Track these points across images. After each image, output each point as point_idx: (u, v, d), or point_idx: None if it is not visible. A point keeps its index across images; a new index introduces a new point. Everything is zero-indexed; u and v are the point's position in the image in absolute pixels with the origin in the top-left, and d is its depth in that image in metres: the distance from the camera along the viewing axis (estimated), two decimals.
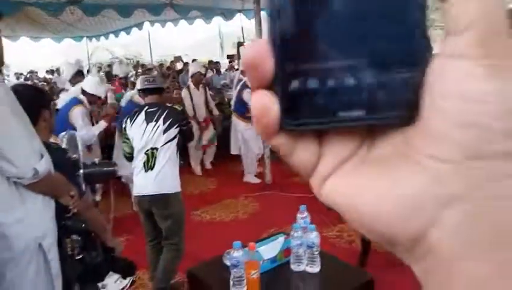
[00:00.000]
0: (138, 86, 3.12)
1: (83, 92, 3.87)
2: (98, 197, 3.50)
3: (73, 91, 4.04)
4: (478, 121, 0.18)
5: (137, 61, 13.85)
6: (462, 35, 0.18)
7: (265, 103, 0.21)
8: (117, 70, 5.40)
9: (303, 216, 1.96)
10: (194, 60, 11.24)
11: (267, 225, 3.94)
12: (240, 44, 9.16)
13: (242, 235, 3.79)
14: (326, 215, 4.05)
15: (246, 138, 5.17)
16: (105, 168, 3.00)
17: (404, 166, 0.20)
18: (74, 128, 3.65)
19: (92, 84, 3.93)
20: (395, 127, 0.21)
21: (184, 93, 5.45)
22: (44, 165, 1.37)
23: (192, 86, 5.43)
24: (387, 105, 0.20)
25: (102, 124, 3.83)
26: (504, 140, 0.18)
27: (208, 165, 5.89)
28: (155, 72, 6.58)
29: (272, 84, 0.21)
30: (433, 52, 0.20)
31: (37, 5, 6.04)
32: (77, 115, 3.60)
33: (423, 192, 0.19)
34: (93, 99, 3.93)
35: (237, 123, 5.22)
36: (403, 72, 0.20)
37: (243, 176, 5.41)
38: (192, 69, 5.65)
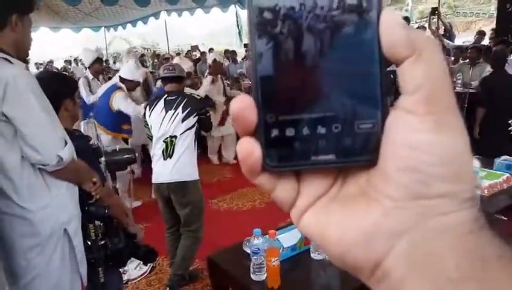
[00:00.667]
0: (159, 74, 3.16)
1: (121, 79, 3.92)
2: (118, 185, 3.55)
3: (114, 79, 4.13)
4: (420, 167, 0.22)
5: (154, 51, 13.89)
6: (412, 94, 0.22)
7: (248, 149, 0.25)
8: (131, 72, 5.34)
9: None
10: (210, 50, 11.24)
11: (285, 214, 3.89)
12: None
13: (259, 224, 3.77)
14: None
15: None
16: (126, 155, 3.05)
17: (365, 203, 0.24)
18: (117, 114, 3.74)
19: (128, 69, 3.95)
20: (360, 168, 0.25)
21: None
22: (68, 152, 1.39)
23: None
24: (353, 150, 0.24)
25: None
26: (439, 184, 0.22)
27: (232, 160, 5.63)
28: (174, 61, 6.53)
29: (255, 132, 0.25)
30: (389, 105, 0.24)
31: None
32: (119, 98, 3.71)
33: (377, 225, 0.23)
34: (131, 85, 3.96)
35: None
36: (366, 122, 0.24)
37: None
38: (210, 60, 5.55)
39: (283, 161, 0.25)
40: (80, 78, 4.61)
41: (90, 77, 4.49)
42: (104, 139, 3.53)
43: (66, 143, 1.40)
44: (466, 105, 4.09)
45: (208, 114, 2.93)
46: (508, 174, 2.53)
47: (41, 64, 13.30)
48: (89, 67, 4.55)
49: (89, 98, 4.30)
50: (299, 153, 0.25)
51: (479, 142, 4.56)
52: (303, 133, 0.24)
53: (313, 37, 0.24)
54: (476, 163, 3.03)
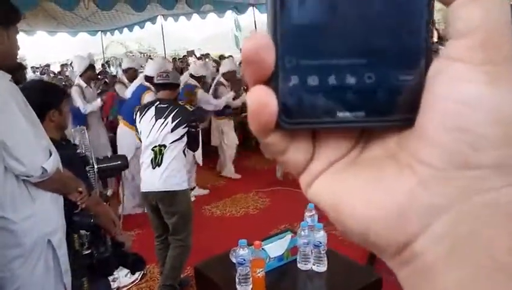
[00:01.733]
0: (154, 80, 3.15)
1: (147, 78, 4.14)
2: (109, 192, 3.54)
3: (139, 79, 4.37)
4: (470, 126, 0.18)
5: (149, 56, 13.93)
6: (464, 38, 0.18)
7: (263, 100, 0.20)
8: (128, 63, 5.31)
9: (311, 214, 1.95)
10: (207, 55, 11.25)
11: (277, 221, 3.93)
12: None
13: (252, 230, 3.81)
14: None
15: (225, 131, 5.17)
16: (118, 162, 3.05)
17: (393, 169, 0.20)
18: None
19: (154, 68, 4.11)
20: (393, 129, 0.21)
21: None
22: (52, 163, 1.39)
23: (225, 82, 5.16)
24: (387, 107, 0.20)
25: None
26: (495, 149, 0.18)
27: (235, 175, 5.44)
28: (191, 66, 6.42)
29: (271, 80, 0.20)
30: (433, 54, 0.20)
31: None
32: (149, 99, 3.85)
33: (411, 198, 0.19)
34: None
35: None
36: (404, 74, 0.20)
37: (221, 169, 5.39)
38: (224, 68, 5.28)
39: (303, 117, 0.21)
40: (74, 84, 4.56)
41: (84, 84, 4.41)
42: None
43: (50, 154, 1.40)
44: None
45: (197, 129, 2.86)
46: None
47: (38, 68, 13.29)
48: (81, 75, 4.45)
49: (85, 108, 4.26)
50: (323, 107, 0.20)
51: None
52: (329, 82, 0.20)
53: None
54: None
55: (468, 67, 0.18)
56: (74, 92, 4.29)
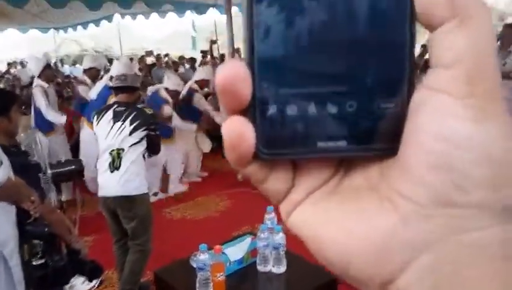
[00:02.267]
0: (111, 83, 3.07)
1: (167, 90, 4.40)
2: (63, 197, 3.42)
3: (105, 80, 4.35)
4: (456, 165, 0.17)
5: (105, 56, 13.51)
6: (448, 68, 0.18)
7: (240, 131, 0.19)
8: (89, 62, 5.06)
9: (270, 217, 1.99)
10: (166, 55, 11.06)
11: (239, 223, 3.96)
12: (213, 42, 9.06)
13: (213, 233, 3.81)
14: None
15: None
16: (72, 167, 2.95)
17: (374, 201, 0.19)
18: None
19: (174, 82, 4.47)
20: (375, 159, 0.20)
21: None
22: (3, 172, 1.34)
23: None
24: (369, 136, 0.20)
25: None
26: (481, 190, 0.17)
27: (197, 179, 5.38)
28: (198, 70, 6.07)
29: (248, 110, 0.20)
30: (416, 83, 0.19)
31: None
32: (168, 112, 4.25)
33: (393, 233, 0.18)
34: (175, 94, 4.48)
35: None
36: (386, 102, 0.19)
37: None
38: (198, 76, 5.12)
39: (282, 148, 0.20)
40: (28, 82, 4.35)
41: (45, 85, 4.22)
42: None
43: (1, 163, 1.35)
44: None
45: (157, 132, 2.81)
46: None
47: None
48: (39, 76, 4.26)
49: (47, 113, 4.09)
50: (303, 137, 0.20)
51: None
52: (308, 111, 0.19)
53: None
54: None
55: (452, 100, 0.17)
56: (37, 92, 4.11)
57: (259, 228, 1.87)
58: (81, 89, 4.82)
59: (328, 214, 0.20)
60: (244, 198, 4.68)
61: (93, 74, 4.90)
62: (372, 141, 0.20)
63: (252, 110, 0.20)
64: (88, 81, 4.86)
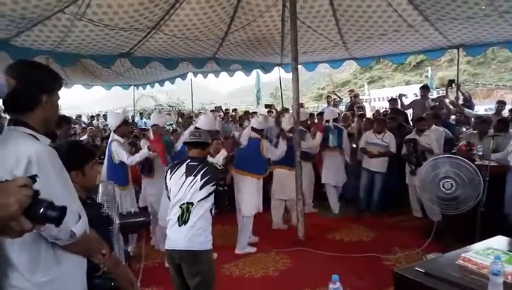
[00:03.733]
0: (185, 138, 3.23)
1: (254, 129, 4.92)
2: (130, 248, 3.53)
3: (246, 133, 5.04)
4: None
5: (179, 110, 14.44)
6: None
7: None
8: (156, 119, 5.31)
9: (335, 287, 1.87)
10: (234, 110, 11.55)
11: (299, 284, 3.78)
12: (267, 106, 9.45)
13: None
14: (362, 279, 3.86)
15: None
16: (140, 218, 3.06)
17: None
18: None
19: (206, 122, 4.59)
20: None
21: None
22: (81, 226, 1.41)
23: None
24: None
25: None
26: None
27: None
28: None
29: None
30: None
31: (91, 57, 6.53)
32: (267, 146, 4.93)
33: None
34: (263, 134, 5.03)
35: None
36: None
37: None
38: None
39: None
40: (111, 139, 4.54)
41: (121, 139, 4.48)
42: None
43: (80, 217, 1.43)
44: (487, 178, 3.98)
45: (225, 187, 2.94)
46: None
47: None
48: (115, 131, 4.53)
49: (130, 159, 4.37)
50: None
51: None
52: None
53: None
54: (501, 244, 2.89)
55: None
56: (117, 147, 4.37)
57: None
58: (142, 143, 4.99)
59: None
60: (304, 258, 4.49)
61: (155, 130, 4.92)
62: None
63: None
64: (151, 136, 4.99)
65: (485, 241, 3.02)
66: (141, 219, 2.95)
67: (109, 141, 4.59)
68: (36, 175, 1.15)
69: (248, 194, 4.72)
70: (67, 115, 4.89)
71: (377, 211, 6.16)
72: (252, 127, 4.97)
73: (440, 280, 2.32)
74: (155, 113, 5.80)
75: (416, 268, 2.51)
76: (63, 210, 1.22)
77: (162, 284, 3.81)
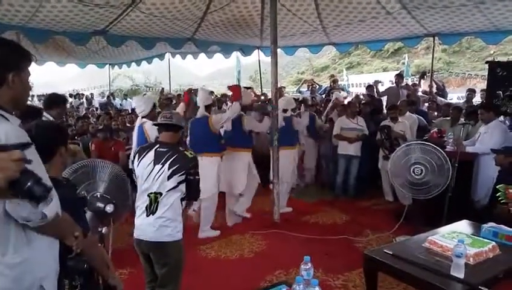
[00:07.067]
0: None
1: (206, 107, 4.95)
2: (104, 230, 3.51)
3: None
4: None
5: (162, 88, 14.11)
6: None
7: None
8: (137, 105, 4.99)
9: (306, 268, 1.92)
10: (211, 92, 11.41)
11: (273, 266, 3.86)
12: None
13: (246, 275, 3.74)
14: (333, 260, 3.97)
15: None
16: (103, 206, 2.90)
17: None
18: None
19: (202, 98, 4.96)
20: None
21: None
22: (53, 208, 1.40)
23: None
24: None
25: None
26: None
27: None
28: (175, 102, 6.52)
29: None
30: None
31: (65, 34, 6.31)
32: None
33: None
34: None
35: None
36: None
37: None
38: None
39: None
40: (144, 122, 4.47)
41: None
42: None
43: (51, 199, 1.41)
44: (457, 165, 4.14)
45: (197, 177, 2.69)
46: (493, 243, 2.53)
47: (44, 96, 13.50)
48: (146, 115, 4.50)
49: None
50: None
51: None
52: None
53: None
54: (465, 228, 3.03)
55: None
56: (151, 127, 4.19)
57: (294, 280, 1.81)
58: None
59: None
60: (280, 240, 4.58)
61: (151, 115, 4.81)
62: None
63: None
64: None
65: (451, 225, 3.17)
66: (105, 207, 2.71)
67: (138, 125, 4.54)
68: (31, 160, 1.19)
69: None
70: (60, 94, 4.74)
71: (353, 195, 6.31)
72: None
73: (406, 261, 2.43)
74: (139, 97, 5.42)
75: (385, 250, 2.62)
76: (48, 190, 1.21)
77: (136, 266, 3.81)
